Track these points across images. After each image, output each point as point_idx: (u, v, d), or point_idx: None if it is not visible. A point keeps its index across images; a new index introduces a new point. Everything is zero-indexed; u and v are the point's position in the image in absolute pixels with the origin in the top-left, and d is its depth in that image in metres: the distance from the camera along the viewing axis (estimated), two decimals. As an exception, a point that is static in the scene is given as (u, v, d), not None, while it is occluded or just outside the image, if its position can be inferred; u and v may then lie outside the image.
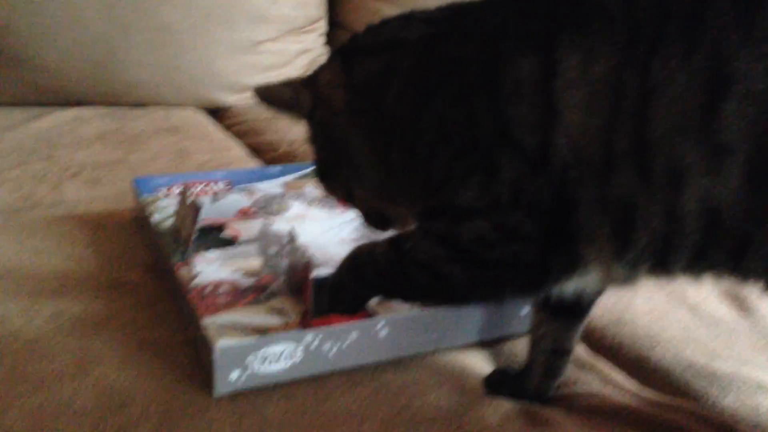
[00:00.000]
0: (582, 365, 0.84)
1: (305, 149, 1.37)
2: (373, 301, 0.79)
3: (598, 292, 0.75)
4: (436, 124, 0.69)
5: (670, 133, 0.57)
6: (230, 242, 0.93)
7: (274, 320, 0.75)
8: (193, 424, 0.68)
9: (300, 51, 1.77)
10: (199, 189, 1.07)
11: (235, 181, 1.10)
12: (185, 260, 0.87)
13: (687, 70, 0.57)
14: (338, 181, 0.83)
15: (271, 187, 1.10)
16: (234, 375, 0.71)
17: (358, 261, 0.75)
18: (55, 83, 1.57)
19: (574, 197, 0.62)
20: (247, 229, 0.96)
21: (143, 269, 0.94)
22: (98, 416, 0.68)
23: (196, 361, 0.76)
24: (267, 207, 1.03)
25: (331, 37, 1.88)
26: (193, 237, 0.88)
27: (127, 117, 1.54)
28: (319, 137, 0.82)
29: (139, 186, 1.06)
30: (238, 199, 1.05)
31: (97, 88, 1.60)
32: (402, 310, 0.79)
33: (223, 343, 0.71)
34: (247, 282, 0.83)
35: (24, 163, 1.27)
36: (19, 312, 0.83)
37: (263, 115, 1.56)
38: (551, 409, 0.76)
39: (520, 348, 0.86)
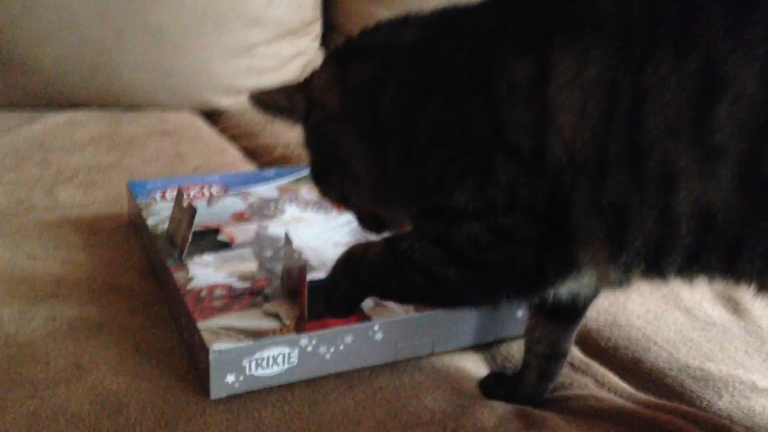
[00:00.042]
0: (577, 368, 0.85)
1: (300, 152, 1.37)
2: (369, 305, 0.79)
3: (593, 295, 0.76)
4: (432, 126, 0.69)
5: (663, 136, 0.57)
6: (225, 246, 0.93)
7: (269, 324, 0.75)
8: (189, 427, 0.68)
9: (294, 54, 1.77)
10: (194, 192, 1.07)
11: (230, 185, 1.10)
12: (181, 264, 0.87)
13: (679, 73, 0.57)
14: (333, 185, 0.83)
15: (266, 190, 1.10)
16: (230, 378, 0.72)
17: (352, 261, 0.75)
18: (49, 86, 1.57)
19: (568, 200, 0.62)
20: (243, 232, 0.96)
21: (138, 273, 0.94)
22: (94, 420, 0.68)
23: (191, 364, 0.76)
24: (262, 210, 1.03)
25: (325, 40, 1.88)
26: (189, 240, 0.88)
27: (122, 120, 1.54)
28: (313, 141, 0.82)
29: (134, 189, 1.06)
30: (233, 203, 1.05)
31: (91, 92, 1.59)
32: (397, 314, 0.79)
33: (218, 347, 0.71)
34: (243, 285, 0.83)
35: (18, 166, 1.27)
36: (13, 316, 0.82)
37: (258, 118, 1.55)
38: (547, 411, 0.76)
39: (515, 351, 0.86)
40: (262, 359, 0.72)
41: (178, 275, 0.84)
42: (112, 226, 1.06)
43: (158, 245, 0.92)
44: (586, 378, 0.83)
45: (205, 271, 0.86)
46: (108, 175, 1.26)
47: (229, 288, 0.82)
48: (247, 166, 1.37)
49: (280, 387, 0.74)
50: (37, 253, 0.97)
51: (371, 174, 0.77)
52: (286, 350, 0.73)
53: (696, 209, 0.58)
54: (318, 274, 0.79)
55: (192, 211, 0.88)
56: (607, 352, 0.89)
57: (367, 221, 0.85)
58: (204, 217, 0.96)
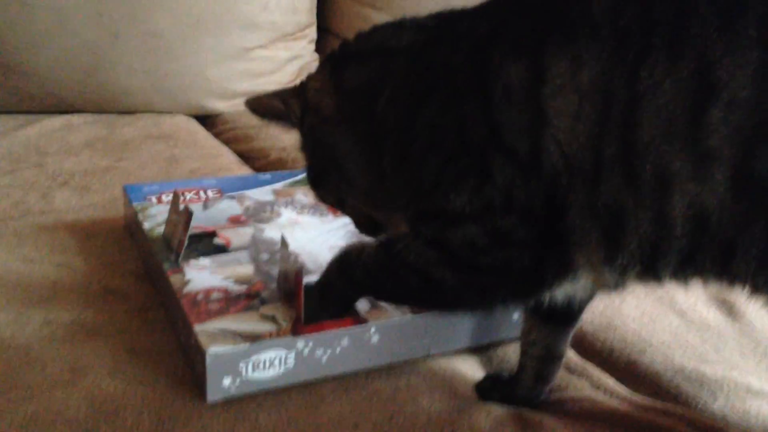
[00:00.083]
0: (572, 370, 0.85)
1: (295, 156, 1.38)
2: (365, 308, 0.79)
3: (589, 298, 0.76)
4: (428, 129, 0.69)
5: (657, 139, 0.58)
6: (222, 249, 0.93)
7: (265, 327, 0.75)
8: (185, 431, 0.68)
9: (290, 58, 1.77)
10: (189, 196, 1.07)
11: (225, 189, 1.10)
12: (177, 267, 0.87)
13: (673, 77, 0.57)
14: (329, 188, 0.83)
15: (261, 194, 1.10)
16: (226, 382, 0.72)
17: (347, 261, 0.75)
18: (45, 90, 1.57)
19: (564, 202, 0.62)
20: (239, 236, 0.96)
21: (134, 277, 0.94)
22: (90, 424, 0.68)
23: (188, 368, 0.76)
24: (258, 214, 1.03)
25: (320, 44, 1.88)
26: (185, 244, 0.88)
27: (117, 124, 1.54)
28: (309, 144, 0.82)
29: (130, 193, 1.06)
30: (229, 206, 1.05)
31: (86, 96, 1.59)
32: (393, 317, 0.79)
33: (215, 350, 0.71)
34: (239, 289, 0.83)
35: (13, 171, 1.27)
36: (9, 320, 0.82)
37: (253, 122, 1.55)
38: (542, 414, 0.76)
39: (511, 353, 0.86)
40: (259, 362, 0.73)
41: (174, 279, 0.84)
42: (107, 230, 1.06)
43: (154, 249, 0.92)
44: (582, 380, 0.83)
45: (201, 275, 0.86)
46: (103, 179, 1.26)
47: (226, 291, 0.82)
48: (243, 170, 1.37)
49: (276, 390, 0.74)
50: (33, 257, 0.97)
51: (367, 176, 0.77)
52: (283, 353, 0.73)
53: (691, 212, 0.58)
54: (314, 278, 0.79)
55: (188, 215, 0.88)
56: (603, 355, 0.89)
57: (363, 224, 0.86)
58: (200, 221, 0.96)
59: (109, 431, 0.68)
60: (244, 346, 0.72)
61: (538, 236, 0.64)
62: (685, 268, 0.61)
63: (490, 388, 0.79)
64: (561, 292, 0.69)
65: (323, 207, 1.04)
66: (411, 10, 0.79)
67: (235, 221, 1.01)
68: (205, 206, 1.04)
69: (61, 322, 0.83)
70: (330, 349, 0.75)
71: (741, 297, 0.61)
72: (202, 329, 0.74)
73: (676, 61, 0.57)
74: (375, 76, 0.75)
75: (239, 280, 0.85)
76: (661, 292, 0.98)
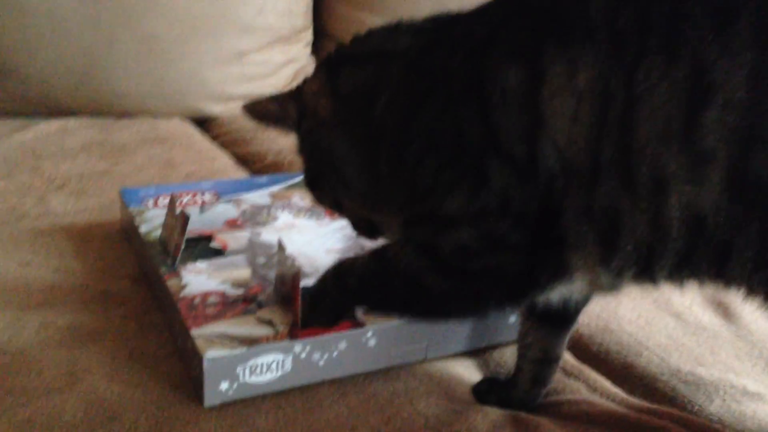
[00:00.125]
0: (569, 373, 0.85)
1: (292, 159, 1.38)
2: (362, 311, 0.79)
3: (585, 300, 0.76)
4: (425, 132, 0.69)
5: (653, 141, 0.58)
6: (218, 253, 0.93)
7: (263, 331, 0.75)
8: (182, 435, 0.68)
9: (286, 61, 1.78)
10: (186, 200, 1.07)
11: (222, 192, 1.10)
12: (174, 271, 0.87)
13: (669, 79, 0.58)
14: (326, 191, 0.83)
15: (258, 197, 1.10)
16: (223, 386, 0.71)
17: (342, 269, 0.75)
18: (40, 94, 1.57)
19: (560, 205, 0.63)
20: (235, 239, 0.96)
21: (131, 280, 0.94)
22: (87, 429, 0.68)
23: (185, 372, 0.76)
24: (255, 217, 1.03)
25: (316, 47, 1.88)
26: (182, 248, 0.88)
27: (113, 128, 1.54)
28: (306, 147, 0.82)
29: (126, 197, 1.06)
30: (225, 210, 1.05)
31: (82, 99, 1.59)
32: (391, 320, 0.79)
33: (212, 354, 0.71)
34: (236, 292, 0.83)
35: (9, 174, 1.27)
36: (6, 324, 0.82)
37: (250, 125, 1.55)
38: (539, 416, 0.76)
39: (508, 356, 0.86)
40: (256, 366, 0.73)
41: (171, 282, 0.84)
42: (104, 234, 1.06)
43: (151, 252, 0.91)
44: (579, 383, 0.84)
45: (198, 278, 0.86)
46: (100, 183, 1.26)
47: (223, 295, 0.82)
48: (239, 173, 1.38)
49: (273, 394, 0.74)
50: (30, 261, 0.97)
51: (363, 179, 0.78)
52: (280, 357, 0.73)
53: (687, 214, 0.58)
54: (311, 281, 0.79)
55: (185, 218, 0.88)
56: (599, 357, 0.89)
57: (360, 227, 0.86)
58: (197, 224, 0.97)
59: (106, 435, 0.68)
60: (241, 350, 0.72)
61: (532, 239, 0.64)
62: (681, 270, 0.61)
63: (487, 391, 0.79)
64: (556, 294, 0.69)
65: (320, 210, 1.04)
66: (407, 13, 0.79)
67: (232, 225, 1.01)
68: (202, 210, 1.04)
69: (57, 326, 0.82)
70: (327, 353, 0.75)
71: (737, 299, 0.62)
72: (199, 333, 0.74)
73: (671, 63, 0.57)
74: (371, 80, 0.75)
75: (236, 284, 0.85)
76: (656, 295, 0.99)
